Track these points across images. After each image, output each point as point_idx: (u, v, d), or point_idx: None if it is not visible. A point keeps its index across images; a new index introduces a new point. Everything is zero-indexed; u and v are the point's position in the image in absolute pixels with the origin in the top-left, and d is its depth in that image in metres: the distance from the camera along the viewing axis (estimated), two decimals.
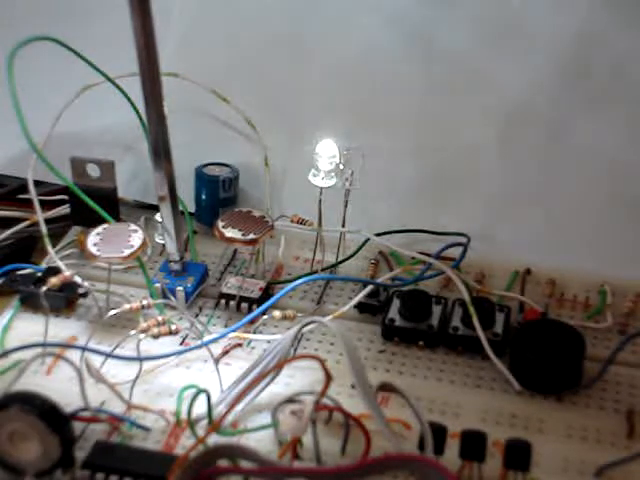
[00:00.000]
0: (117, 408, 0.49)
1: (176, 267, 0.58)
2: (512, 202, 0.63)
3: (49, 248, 0.58)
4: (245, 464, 0.43)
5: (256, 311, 0.55)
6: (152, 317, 0.52)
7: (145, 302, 0.53)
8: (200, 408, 0.47)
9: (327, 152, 0.55)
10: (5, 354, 0.50)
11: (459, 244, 0.59)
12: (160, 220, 0.58)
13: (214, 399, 0.48)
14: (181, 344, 0.54)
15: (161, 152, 0.53)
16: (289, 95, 0.65)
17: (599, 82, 0.62)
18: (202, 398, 0.47)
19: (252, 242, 0.56)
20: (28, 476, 0.44)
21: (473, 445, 0.45)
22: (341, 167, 0.55)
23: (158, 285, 0.57)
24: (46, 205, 0.63)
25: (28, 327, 0.55)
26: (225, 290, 0.57)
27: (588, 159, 0.62)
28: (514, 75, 0.62)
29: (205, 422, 0.47)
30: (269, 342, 0.53)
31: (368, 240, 0.61)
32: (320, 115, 0.64)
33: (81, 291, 0.57)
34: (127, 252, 0.54)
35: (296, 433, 0.44)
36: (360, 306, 0.56)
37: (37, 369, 0.52)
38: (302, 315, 0.55)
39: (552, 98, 0.62)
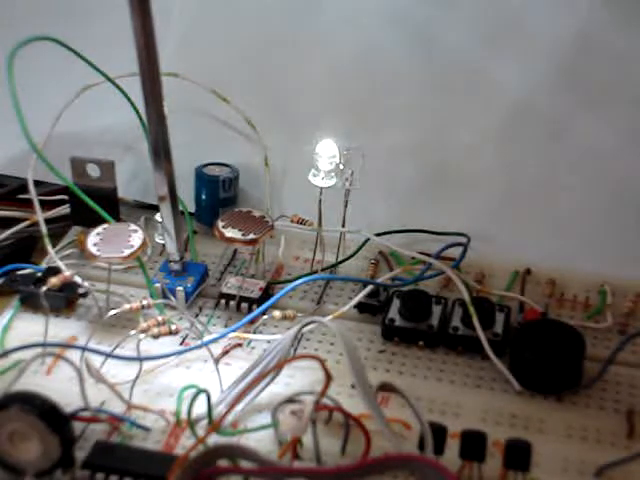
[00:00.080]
0: (117, 408, 0.49)
1: (176, 267, 0.58)
2: (512, 202, 0.63)
3: (49, 248, 0.58)
4: (245, 464, 0.43)
5: (256, 311, 0.55)
6: (152, 317, 0.52)
7: (145, 302, 0.53)
8: (200, 408, 0.47)
9: (327, 152, 0.55)
10: (5, 354, 0.50)
11: (459, 244, 0.59)
12: (160, 220, 0.58)
13: (214, 399, 0.48)
14: (181, 344, 0.54)
15: (161, 152, 0.53)
16: (289, 95, 0.65)
17: (599, 82, 0.62)
18: (202, 398, 0.47)
19: (252, 242, 0.56)
20: (28, 476, 0.44)
21: (473, 445, 0.45)
22: (341, 167, 0.55)
23: (158, 285, 0.57)
24: (46, 205, 0.63)
25: (28, 327, 0.55)
26: (225, 290, 0.57)
27: (588, 159, 0.62)
28: (514, 75, 0.62)
29: (205, 422, 0.47)
30: (269, 342, 0.53)
31: (368, 240, 0.61)
32: (320, 115, 0.64)
33: (81, 291, 0.57)
34: (127, 252, 0.54)
35: (296, 433, 0.44)
36: (360, 306, 0.56)
37: (37, 369, 0.52)
38: (302, 315, 0.55)
39: (552, 98, 0.62)
